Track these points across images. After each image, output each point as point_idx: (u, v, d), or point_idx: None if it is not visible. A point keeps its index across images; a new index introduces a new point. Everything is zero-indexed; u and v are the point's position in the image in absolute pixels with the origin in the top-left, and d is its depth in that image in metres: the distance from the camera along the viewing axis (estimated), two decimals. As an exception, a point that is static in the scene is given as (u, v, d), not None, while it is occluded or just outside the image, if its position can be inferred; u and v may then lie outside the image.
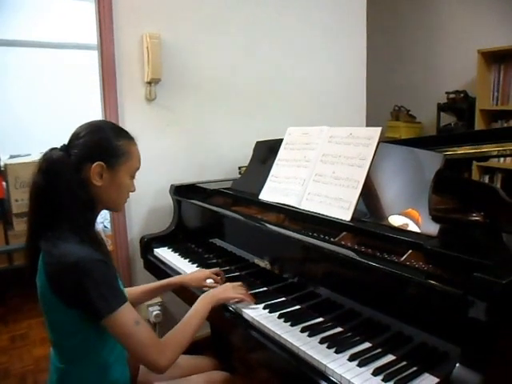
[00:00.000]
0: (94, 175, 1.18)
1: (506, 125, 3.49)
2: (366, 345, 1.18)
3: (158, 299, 2.27)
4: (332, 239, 1.40)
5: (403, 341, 1.12)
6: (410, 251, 1.20)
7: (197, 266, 1.81)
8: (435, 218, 1.27)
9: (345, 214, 1.44)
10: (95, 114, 2.35)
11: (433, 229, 1.25)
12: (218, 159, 2.52)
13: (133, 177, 1.29)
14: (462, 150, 1.80)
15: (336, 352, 1.14)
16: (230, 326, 1.43)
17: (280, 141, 1.87)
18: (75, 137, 1.21)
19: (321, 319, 1.32)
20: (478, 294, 0.93)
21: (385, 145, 1.50)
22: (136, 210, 2.32)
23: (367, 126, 3.01)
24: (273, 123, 2.51)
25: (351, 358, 1.11)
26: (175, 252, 2.01)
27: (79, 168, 1.18)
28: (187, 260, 1.89)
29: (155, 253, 2.06)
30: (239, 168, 2.39)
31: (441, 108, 4.01)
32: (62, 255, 1.08)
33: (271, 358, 1.27)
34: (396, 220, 1.36)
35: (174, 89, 2.36)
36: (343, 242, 1.37)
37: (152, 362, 1.12)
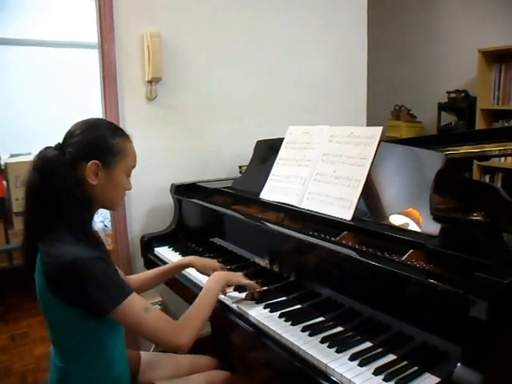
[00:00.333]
0: (90, 174, 1.17)
1: (506, 124, 3.49)
2: (367, 344, 1.18)
3: (158, 298, 2.27)
4: (333, 238, 1.39)
5: (404, 340, 1.12)
6: (410, 251, 1.20)
7: (197, 265, 1.80)
8: (436, 218, 1.27)
9: (346, 214, 1.44)
10: (96, 112, 2.34)
11: (433, 228, 1.25)
12: (218, 158, 2.52)
13: (129, 175, 1.28)
14: (462, 150, 1.80)
15: (337, 351, 1.14)
16: (231, 325, 1.43)
17: (281, 140, 1.87)
18: (70, 135, 1.20)
19: (321, 318, 1.32)
20: (479, 294, 0.93)
21: (385, 144, 1.50)
22: (136, 208, 2.32)
23: (368, 125, 3.01)
24: (273, 122, 2.50)
25: (352, 358, 1.11)
26: (176, 251, 2.01)
27: (74, 166, 1.17)
28: (188, 259, 1.88)
29: (156, 252, 2.06)
30: (240, 167, 2.38)
31: (441, 107, 4.01)
32: (59, 255, 1.07)
33: (272, 358, 1.27)
34: (396, 219, 1.35)
35: (175, 88, 2.36)
36: (344, 242, 1.36)
37: (170, 342, 1.14)
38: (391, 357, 1.12)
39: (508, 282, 0.89)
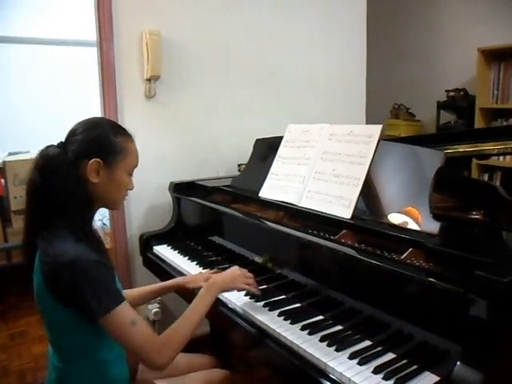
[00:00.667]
0: (91, 172, 1.17)
1: (505, 123, 3.49)
2: (367, 343, 1.17)
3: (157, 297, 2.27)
4: (332, 237, 1.39)
5: (404, 339, 1.11)
6: (410, 249, 1.20)
7: (196, 264, 1.80)
8: (436, 216, 1.26)
9: (345, 212, 1.44)
10: (95, 110, 2.34)
11: (433, 227, 1.24)
12: (217, 156, 2.51)
13: (131, 174, 1.28)
14: (462, 148, 1.80)
15: (336, 350, 1.14)
16: (230, 323, 1.43)
17: (280, 138, 1.86)
18: (72, 134, 1.21)
19: (321, 317, 1.32)
20: (479, 292, 0.92)
21: (385, 143, 1.50)
22: (135, 207, 2.31)
23: (367, 123, 3.00)
24: (272, 121, 2.50)
25: (351, 356, 1.11)
26: (174, 249, 2.00)
27: (76, 165, 1.16)
28: (186, 258, 1.88)
29: (154, 250, 2.06)
30: (239, 165, 2.38)
31: (440, 106, 4.00)
32: (58, 254, 1.07)
33: (271, 356, 1.27)
34: (395, 218, 1.35)
35: (174, 86, 2.35)
36: (343, 240, 1.36)
37: (150, 361, 1.12)
38: (391, 355, 1.12)
39: (508, 281, 0.89)
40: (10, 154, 3.61)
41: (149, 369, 1.15)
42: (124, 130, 1.28)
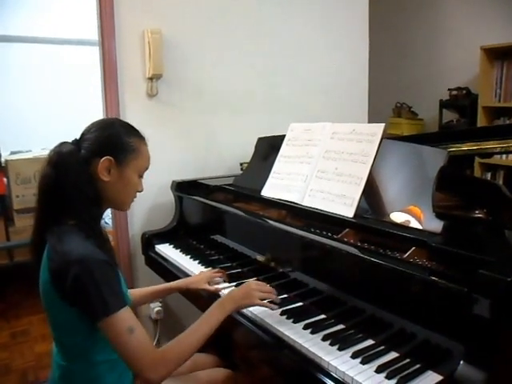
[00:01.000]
0: (102, 170, 1.18)
1: (508, 121, 3.48)
2: (369, 342, 1.17)
3: (159, 296, 2.26)
4: (335, 236, 1.39)
5: (407, 338, 1.11)
6: (413, 248, 1.19)
7: (198, 263, 1.80)
8: (438, 215, 1.26)
9: (347, 211, 1.44)
10: (96, 109, 2.34)
11: (435, 225, 1.24)
12: (219, 155, 2.51)
13: (141, 176, 1.29)
14: (465, 147, 1.80)
15: (339, 349, 1.14)
16: (232, 323, 1.42)
17: (282, 137, 1.86)
18: (87, 131, 1.23)
19: (323, 316, 1.32)
20: (482, 291, 0.92)
21: (387, 141, 1.49)
22: (137, 206, 2.30)
23: (369, 122, 3.00)
24: (275, 119, 2.50)
25: (354, 355, 1.11)
26: (176, 248, 2.00)
27: (88, 162, 1.18)
28: (188, 256, 1.88)
29: (156, 249, 2.06)
30: (241, 164, 2.37)
31: (443, 105, 3.99)
32: (66, 253, 1.07)
33: (273, 355, 1.27)
34: (398, 217, 1.35)
35: (176, 84, 2.35)
36: (346, 239, 1.36)
37: (142, 374, 1.07)
38: (394, 354, 1.11)
39: (511, 280, 0.89)
40: (12, 153, 3.62)
41: (141, 380, 1.10)
42: (137, 131, 1.30)
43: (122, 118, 2.17)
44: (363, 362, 1.08)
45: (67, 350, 1.17)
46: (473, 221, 1.49)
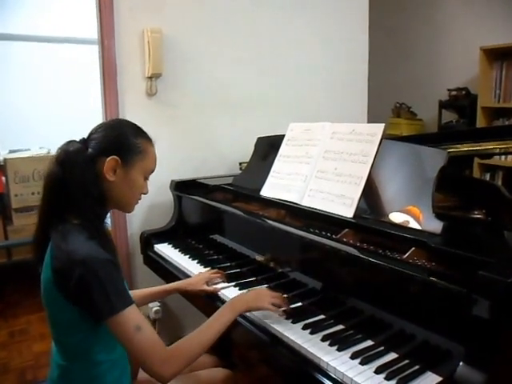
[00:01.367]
0: (108, 169, 1.18)
1: (507, 122, 3.48)
2: (369, 343, 1.17)
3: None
4: (334, 236, 1.39)
5: (406, 339, 1.11)
6: (412, 248, 1.19)
7: (197, 263, 1.80)
8: (438, 216, 1.26)
9: (347, 211, 1.43)
10: (95, 108, 2.34)
11: (435, 226, 1.24)
12: (218, 155, 2.51)
13: (147, 178, 1.29)
14: (464, 147, 1.80)
15: (338, 350, 1.14)
16: (232, 323, 1.42)
17: (282, 137, 1.86)
18: (95, 131, 1.23)
19: (323, 316, 1.31)
20: (482, 292, 0.92)
21: (387, 141, 1.49)
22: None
23: (368, 122, 3.00)
24: (274, 119, 2.50)
25: (353, 356, 1.10)
26: (175, 248, 2.00)
27: (94, 161, 1.18)
28: (187, 256, 1.88)
29: (155, 249, 2.06)
30: (240, 164, 2.37)
31: (442, 105, 3.99)
32: (70, 251, 1.07)
33: (272, 356, 1.27)
34: (397, 217, 1.35)
35: (175, 84, 2.34)
36: (345, 239, 1.36)
37: (153, 371, 1.08)
38: (393, 355, 1.11)
39: (511, 281, 0.88)
40: (11, 151, 3.61)
41: (153, 377, 1.11)
42: (145, 133, 1.30)
43: (120, 116, 2.17)
44: (362, 363, 1.08)
45: (67, 349, 1.17)
46: (472, 221, 1.49)
